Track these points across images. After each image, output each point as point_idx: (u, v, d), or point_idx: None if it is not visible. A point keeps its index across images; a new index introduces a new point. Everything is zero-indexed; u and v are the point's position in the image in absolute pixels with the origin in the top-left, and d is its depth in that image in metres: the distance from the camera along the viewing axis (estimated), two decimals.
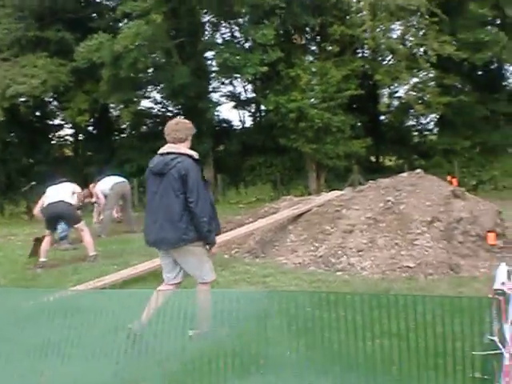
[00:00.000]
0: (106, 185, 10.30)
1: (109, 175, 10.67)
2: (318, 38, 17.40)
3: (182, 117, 19.04)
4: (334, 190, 10.65)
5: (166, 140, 4.05)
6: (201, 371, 2.57)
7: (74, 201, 7.69)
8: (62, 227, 7.78)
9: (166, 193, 3.94)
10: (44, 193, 8.05)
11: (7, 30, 15.46)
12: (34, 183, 16.51)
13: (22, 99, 16.39)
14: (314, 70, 16.08)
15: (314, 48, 18.15)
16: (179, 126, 4.11)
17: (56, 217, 7.51)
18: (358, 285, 5.19)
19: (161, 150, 4.06)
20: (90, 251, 7.53)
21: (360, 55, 18.47)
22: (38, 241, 7.70)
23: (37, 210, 7.98)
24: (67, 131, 20.27)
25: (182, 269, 4.03)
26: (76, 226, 7.71)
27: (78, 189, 8.14)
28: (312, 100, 15.57)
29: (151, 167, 4.02)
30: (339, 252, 6.43)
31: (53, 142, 20.09)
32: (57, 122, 19.94)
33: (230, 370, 2.53)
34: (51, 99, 18.81)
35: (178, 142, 4.03)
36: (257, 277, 5.74)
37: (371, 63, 17.13)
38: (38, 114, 19.28)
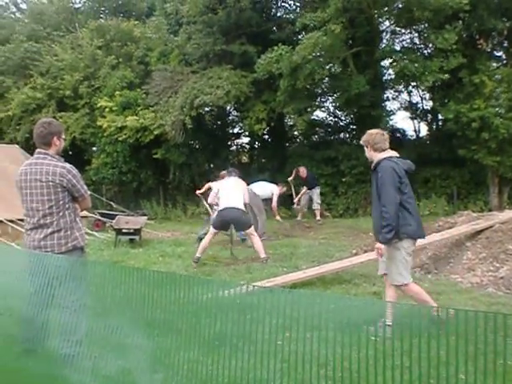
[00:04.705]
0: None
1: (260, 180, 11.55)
2: (506, 43, 16.04)
3: (354, 126, 19.07)
4: None
5: (383, 147, 4.60)
6: (367, 382, 2.50)
7: (243, 204, 8.15)
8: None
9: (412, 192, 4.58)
10: (215, 181, 8.83)
11: (197, 45, 16.89)
12: None
13: (207, 109, 17.77)
14: (498, 76, 14.85)
15: (500, 54, 16.78)
16: (387, 136, 4.74)
17: (229, 222, 8.02)
18: None
19: (397, 155, 4.67)
20: (261, 254, 7.87)
21: None
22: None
23: (210, 200, 8.71)
24: (244, 139, 21.51)
25: None
26: (246, 231, 8.12)
27: (244, 185, 8.55)
28: (497, 109, 14.38)
29: (409, 168, 4.58)
30: None
31: (231, 149, 21.41)
32: (236, 130, 21.27)
33: None
34: (232, 109, 20.08)
35: None
36: (428, 293, 5.45)
37: None
38: (219, 122, 20.70)
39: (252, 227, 8.18)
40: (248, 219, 8.28)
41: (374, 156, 4.61)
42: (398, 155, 4.65)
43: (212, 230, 8.13)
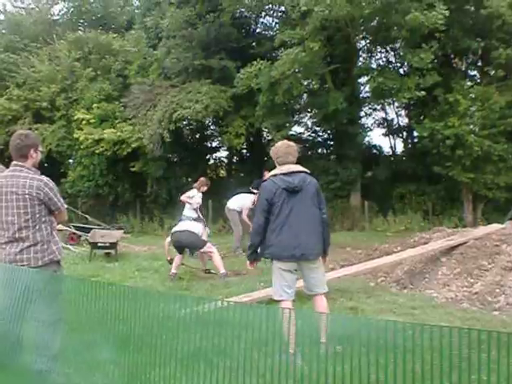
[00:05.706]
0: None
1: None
2: (480, 62, 16.47)
3: (332, 142, 19.25)
4: (493, 223, 9.92)
5: (284, 161, 4.37)
6: None
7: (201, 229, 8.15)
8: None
9: (308, 207, 4.26)
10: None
11: (176, 59, 16.92)
12: None
13: (186, 122, 17.78)
14: (472, 95, 15.20)
15: (474, 73, 17.22)
16: (293, 148, 4.45)
17: (180, 245, 8.04)
18: None
19: (286, 170, 4.34)
20: (220, 269, 7.89)
21: None
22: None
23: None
24: (223, 153, 21.56)
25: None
26: (201, 250, 8.14)
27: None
28: (471, 127, 14.71)
29: (287, 186, 4.25)
30: (497, 290, 5.95)
31: (209, 163, 21.42)
32: (214, 144, 21.30)
33: None
34: (210, 123, 20.11)
35: (294, 163, 4.41)
36: (404, 308, 5.51)
37: None
38: (197, 136, 20.71)
39: (207, 244, 8.14)
40: (199, 240, 8.14)
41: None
42: (289, 170, 4.32)
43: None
